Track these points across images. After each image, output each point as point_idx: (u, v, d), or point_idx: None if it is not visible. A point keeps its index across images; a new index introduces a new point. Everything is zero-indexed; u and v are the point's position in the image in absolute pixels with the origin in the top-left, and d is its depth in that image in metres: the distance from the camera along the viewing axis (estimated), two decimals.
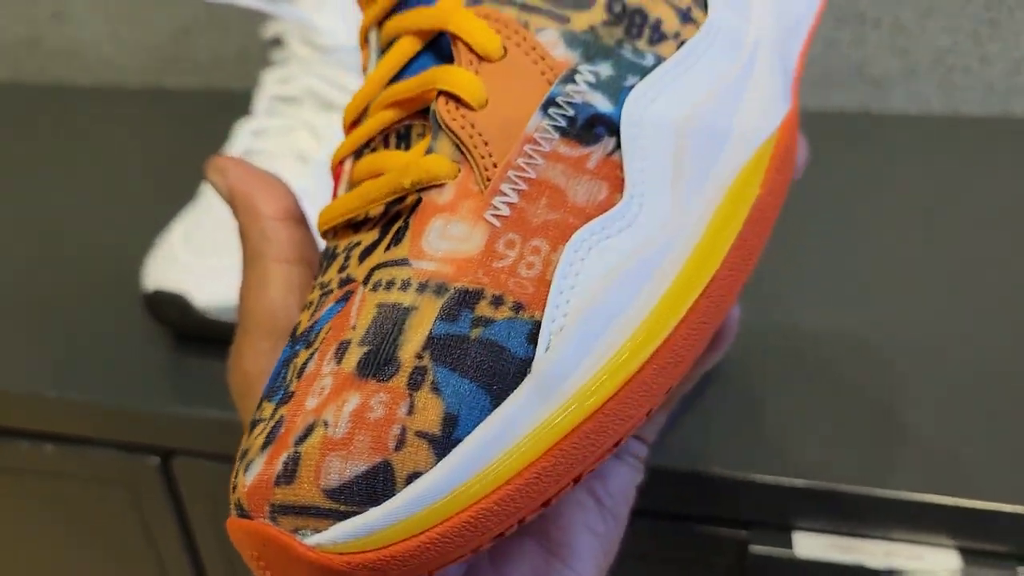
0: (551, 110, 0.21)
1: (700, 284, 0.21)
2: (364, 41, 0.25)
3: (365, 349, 0.19)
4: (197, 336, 0.47)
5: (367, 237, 0.22)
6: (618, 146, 0.21)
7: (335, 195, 0.24)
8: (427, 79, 0.22)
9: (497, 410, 0.18)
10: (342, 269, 0.22)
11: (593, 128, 0.21)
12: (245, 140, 0.52)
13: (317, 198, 0.50)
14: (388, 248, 0.21)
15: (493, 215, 0.20)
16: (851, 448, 0.38)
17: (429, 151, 0.21)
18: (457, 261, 0.20)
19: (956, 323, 0.45)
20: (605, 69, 0.22)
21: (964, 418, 0.39)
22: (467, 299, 0.19)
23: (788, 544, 0.38)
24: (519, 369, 0.19)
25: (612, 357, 0.19)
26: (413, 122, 0.23)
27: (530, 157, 0.21)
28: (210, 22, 0.79)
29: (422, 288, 0.20)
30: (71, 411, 0.46)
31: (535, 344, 0.19)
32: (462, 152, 0.21)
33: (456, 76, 0.22)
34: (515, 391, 0.18)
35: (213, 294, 0.46)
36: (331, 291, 0.22)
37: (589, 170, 0.21)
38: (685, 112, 0.22)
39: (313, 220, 0.42)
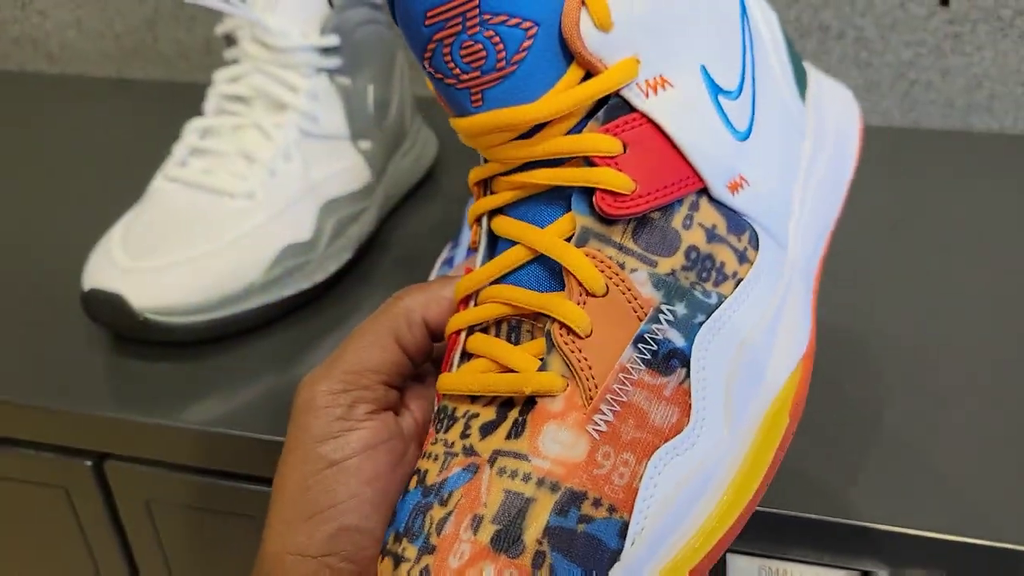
0: (640, 345, 0.26)
1: (745, 498, 0.26)
2: (476, 221, 0.31)
3: (497, 528, 0.25)
4: (134, 338, 0.47)
5: (485, 413, 0.27)
6: (687, 376, 0.26)
7: (447, 360, 0.30)
8: (544, 304, 0.27)
9: None
10: (464, 436, 0.27)
11: (669, 360, 0.26)
12: (192, 139, 0.52)
13: (264, 199, 0.49)
14: (509, 437, 0.26)
15: (593, 429, 0.26)
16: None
17: (543, 367, 0.27)
18: (567, 464, 0.25)
19: (916, 326, 0.45)
20: (681, 308, 0.27)
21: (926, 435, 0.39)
22: (574, 498, 0.25)
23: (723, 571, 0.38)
24: (611, 558, 0.24)
25: (677, 553, 0.25)
26: (523, 320, 0.28)
27: (623, 384, 0.26)
28: (175, 13, 0.78)
29: (540, 483, 0.25)
30: (5, 413, 0.45)
31: (623, 539, 0.24)
32: (571, 371, 0.26)
33: (569, 310, 0.27)
34: (616, 571, 0.24)
35: (151, 295, 0.45)
36: (456, 454, 0.27)
37: (666, 397, 0.26)
38: (735, 348, 0.27)
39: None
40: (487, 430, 0.27)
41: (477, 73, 0.27)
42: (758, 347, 0.28)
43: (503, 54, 0.26)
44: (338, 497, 0.29)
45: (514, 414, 0.27)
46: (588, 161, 0.27)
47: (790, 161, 0.32)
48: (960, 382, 0.42)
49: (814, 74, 0.37)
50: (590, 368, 0.26)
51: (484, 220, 0.30)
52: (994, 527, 0.35)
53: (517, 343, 0.28)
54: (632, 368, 0.26)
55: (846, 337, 0.45)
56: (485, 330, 0.29)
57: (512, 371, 0.27)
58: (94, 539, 0.50)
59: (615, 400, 0.26)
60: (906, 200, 0.57)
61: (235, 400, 0.44)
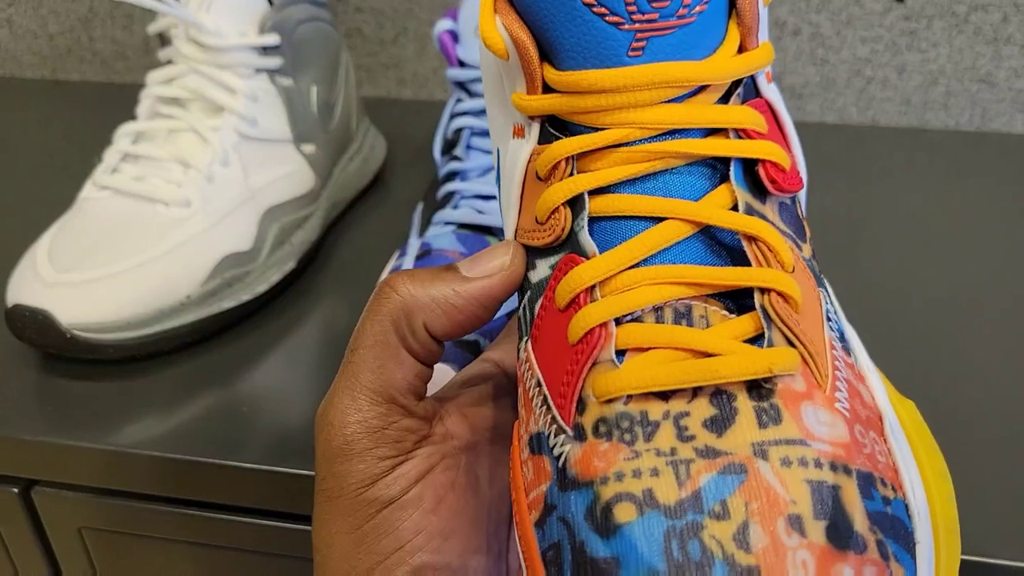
0: (829, 324, 0.25)
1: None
2: (564, 205, 0.27)
3: (825, 523, 0.21)
4: (62, 356, 0.44)
5: (696, 409, 0.23)
6: (851, 354, 0.26)
7: (584, 361, 0.25)
8: (747, 276, 0.24)
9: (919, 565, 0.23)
10: (685, 438, 0.23)
11: (843, 340, 0.26)
12: (125, 144, 0.49)
13: (201, 207, 0.47)
14: (764, 426, 0.23)
15: (841, 407, 0.23)
16: None
17: (769, 343, 0.24)
18: (843, 445, 0.23)
19: (873, 324, 0.44)
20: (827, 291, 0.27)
21: None
22: (869, 480, 0.23)
23: None
24: (911, 539, 0.23)
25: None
26: (694, 303, 0.25)
27: (836, 360, 0.24)
28: (112, 12, 0.75)
29: (834, 468, 0.22)
30: None
31: (910, 518, 0.23)
32: (794, 346, 0.24)
33: (783, 280, 0.24)
34: (918, 552, 0.23)
35: (79, 310, 0.43)
36: (690, 460, 0.22)
37: (856, 374, 0.25)
38: None
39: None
40: (720, 425, 0.23)
41: (655, 15, 0.24)
42: None
43: (684, 11, 0.24)
44: (403, 537, 0.25)
45: (745, 402, 0.23)
46: (739, 134, 0.25)
47: None
48: (917, 379, 0.41)
49: None
50: (812, 343, 0.24)
51: (583, 200, 0.26)
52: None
53: (704, 327, 0.24)
54: (836, 346, 0.25)
55: None
56: (641, 321, 0.25)
57: (712, 355, 0.23)
58: (24, 569, 0.47)
59: (839, 378, 0.24)
60: (863, 197, 0.56)
61: (171, 421, 0.42)
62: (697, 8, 0.24)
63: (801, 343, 0.24)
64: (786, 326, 0.24)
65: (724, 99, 0.26)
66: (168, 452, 0.40)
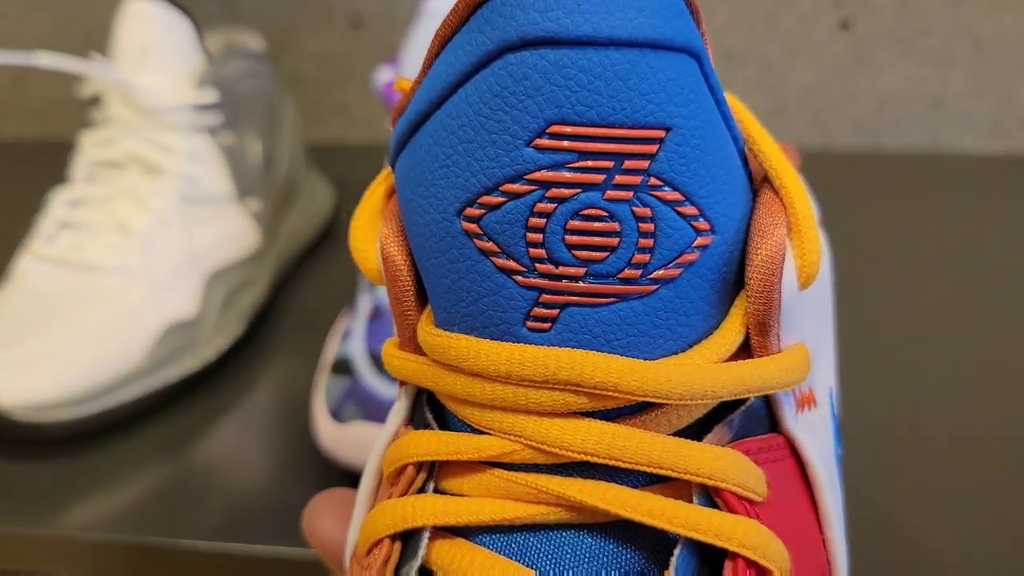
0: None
1: None
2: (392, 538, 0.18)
3: None
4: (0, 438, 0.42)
5: None
6: None
7: None
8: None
9: None
10: None
11: None
12: (61, 211, 0.47)
13: (143, 274, 0.45)
14: None
15: None
16: None
17: None
18: None
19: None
20: None
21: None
22: None
23: None
24: None
25: None
26: None
27: None
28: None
29: None
30: None
31: None
32: None
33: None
34: None
35: (16, 390, 0.41)
36: None
37: None
38: None
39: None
40: None
41: (580, 271, 0.16)
42: None
43: (647, 256, 0.16)
44: None
45: None
46: (707, 497, 0.16)
47: None
48: (876, 398, 0.41)
49: None
50: None
51: (418, 542, 0.17)
52: None
53: None
54: None
55: None
56: None
57: None
58: None
59: None
60: (823, 222, 0.56)
61: (118, 501, 0.40)
62: (658, 272, 0.16)
63: None
64: None
65: (702, 427, 0.17)
66: (116, 535, 0.38)
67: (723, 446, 0.16)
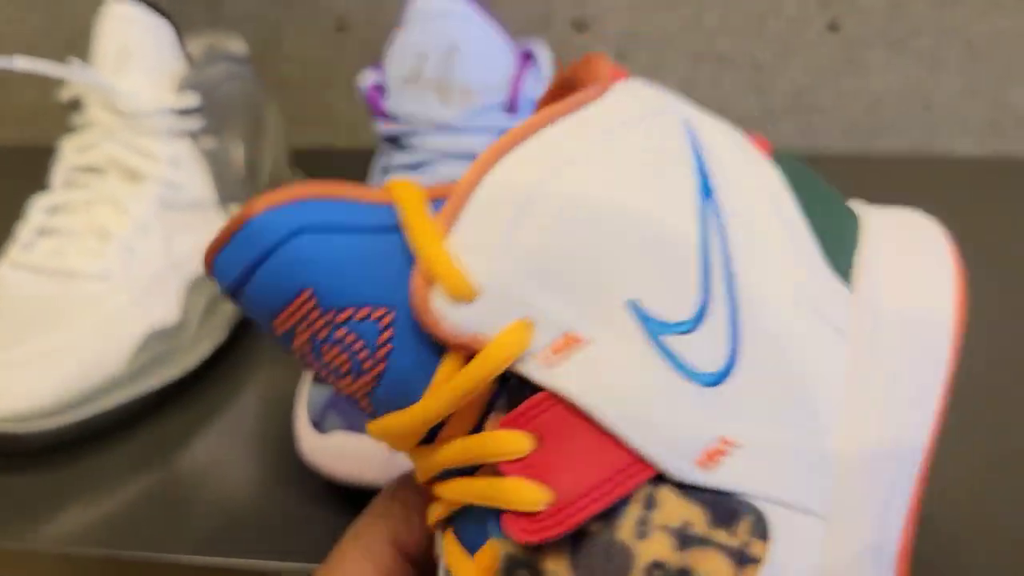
0: None
1: None
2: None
3: None
4: None
5: None
6: None
7: None
8: None
9: None
10: None
11: None
12: (39, 217, 0.46)
13: (123, 280, 0.44)
14: None
15: None
16: None
17: None
18: None
19: None
20: None
21: None
22: None
23: None
24: None
25: None
26: None
27: None
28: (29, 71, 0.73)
29: None
30: None
31: None
32: None
33: None
34: None
35: None
36: None
37: None
38: None
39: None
40: None
41: (349, 379, 0.22)
42: None
43: (365, 352, 0.21)
44: None
45: None
46: (496, 469, 0.21)
47: (818, 374, 0.22)
48: None
49: (874, 225, 0.26)
50: None
51: (438, 534, 0.24)
52: None
53: None
54: None
55: None
56: None
57: None
58: None
59: None
60: None
61: (98, 513, 0.39)
62: (380, 353, 0.21)
63: None
64: None
65: (485, 416, 0.22)
66: (97, 548, 0.38)
67: (494, 427, 0.21)
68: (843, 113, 0.65)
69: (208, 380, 0.47)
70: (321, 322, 0.21)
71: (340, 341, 0.21)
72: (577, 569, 0.20)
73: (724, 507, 0.20)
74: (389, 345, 0.21)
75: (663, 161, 0.22)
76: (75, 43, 0.70)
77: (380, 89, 0.45)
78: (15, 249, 0.46)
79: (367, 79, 0.46)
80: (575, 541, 0.20)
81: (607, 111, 0.23)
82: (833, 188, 0.26)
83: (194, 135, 0.48)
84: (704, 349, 0.21)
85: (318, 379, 0.41)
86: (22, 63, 0.43)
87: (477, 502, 0.21)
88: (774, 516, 0.20)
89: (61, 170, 0.48)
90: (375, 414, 0.22)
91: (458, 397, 0.20)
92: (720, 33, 0.63)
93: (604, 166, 0.22)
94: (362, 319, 0.21)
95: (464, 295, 0.20)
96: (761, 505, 0.20)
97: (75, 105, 0.49)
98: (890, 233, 0.25)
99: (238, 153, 0.51)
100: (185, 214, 0.47)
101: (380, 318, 0.21)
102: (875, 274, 0.24)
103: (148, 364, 0.44)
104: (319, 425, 0.39)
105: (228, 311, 0.48)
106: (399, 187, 0.22)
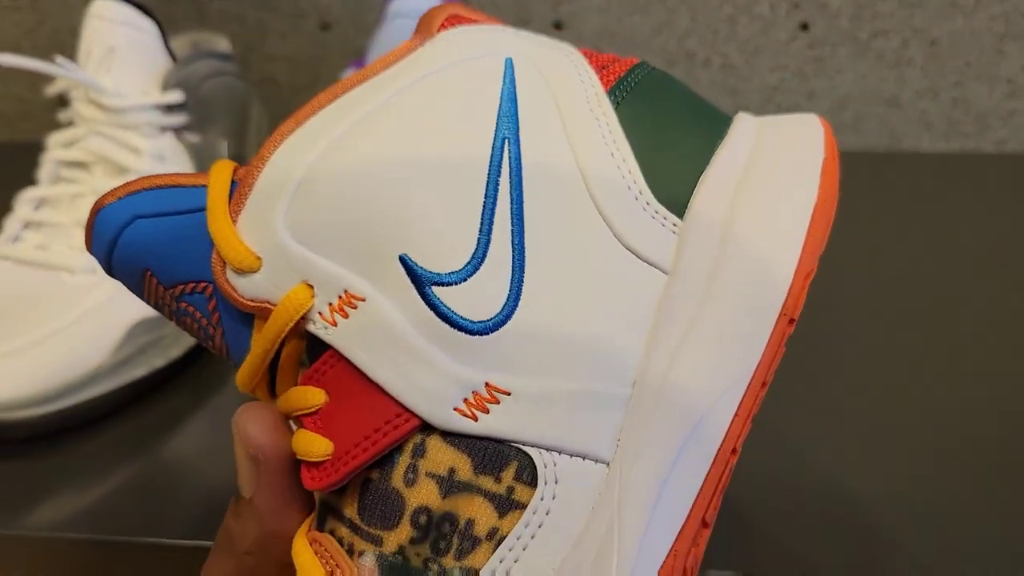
0: None
1: None
2: None
3: None
4: None
5: None
6: None
7: None
8: None
9: None
10: None
11: None
12: (26, 211, 0.47)
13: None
14: None
15: None
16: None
17: None
18: None
19: (799, 347, 0.44)
20: None
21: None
22: None
23: None
24: None
25: None
26: None
27: None
28: (15, 69, 0.73)
29: None
30: None
31: None
32: None
33: None
34: None
35: None
36: None
37: None
38: None
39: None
40: None
41: (211, 344, 0.25)
42: None
43: (205, 320, 0.24)
44: None
45: None
46: (300, 423, 0.23)
47: (616, 320, 0.22)
48: (835, 393, 0.41)
49: (738, 137, 0.25)
50: None
51: None
52: None
53: None
54: None
55: None
56: None
57: None
58: None
59: None
60: None
61: (85, 500, 0.40)
62: (214, 319, 0.24)
63: None
64: None
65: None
66: (86, 534, 0.39)
67: (297, 385, 0.23)
68: (813, 111, 0.67)
69: (193, 371, 0.48)
70: (168, 297, 0.24)
71: (187, 312, 0.24)
72: (362, 513, 0.21)
73: (491, 454, 0.20)
74: (217, 313, 0.24)
75: (465, 109, 0.23)
76: (61, 43, 0.71)
77: None
78: (1, 242, 0.46)
79: (349, 74, 0.47)
80: (363, 488, 0.21)
81: (423, 62, 0.25)
82: (703, 100, 0.25)
83: (178, 131, 0.49)
84: (477, 298, 0.21)
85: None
86: (7, 59, 0.44)
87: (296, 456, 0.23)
88: (546, 463, 0.20)
89: (47, 164, 0.48)
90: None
91: (260, 354, 0.23)
92: (692, 34, 0.65)
93: (391, 126, 0.23)
94: (192, 292, 0.24)
95: (249, 267, 0.23)
96: (532, 451, 0.20)
97: (61, 101, 0.50)
98: (756, 146, 0.24)
99: (222, 148, 0.52)
100: None
101: (204, 290, 0.24)
102: (715, 196, 0.23)
103: (134, 354, 0.45)
104: None
105: None
106: (214, 169, 0.24)
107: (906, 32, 0.63)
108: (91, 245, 0.24)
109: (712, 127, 0.25)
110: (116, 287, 0.45)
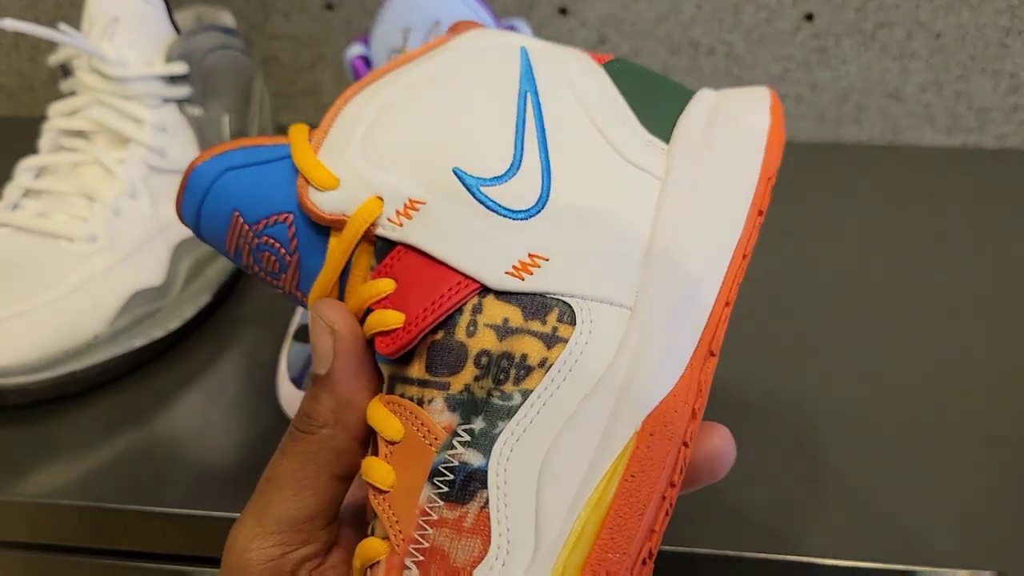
0: (435, 479, 0.24)
1: None
2: None
3: None
4: None
5: None
6: (488, 498, 0.23)
7: None
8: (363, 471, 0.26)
9: None
10: None
11: (468, 486, 0.23)
12: (26, 179, 0.47)
13: (108, 242, 0.45)
14: None
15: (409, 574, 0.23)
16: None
17: (371, 532, 0.26)
18: None
19: (797, 340, 0.44)
20: (478, 423, 0.24)
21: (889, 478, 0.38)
22: None
23: None
24: None
25: None
26: None
27: (423, 528, 0.24)
28: (16, 43, 0.73)
29: None
30: None
31: None
32: (384, 530, 0.25)
33: (370, 468, 0.25)
34: None
35: None
36: None
37: (466, 529, 0.23)
38: (545, 447, 0.23)
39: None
40: None
41: (284, 276, 0.29)
42: (573, 447, 0.23)
43: (284, 250, 0.28)
44: None
45: None
46: (371, 309, 0.27)
47: (625, 204, 0.28)
48: (833, 384, 0.41)
49: (703, 97, 0.31)
50: (397, 522, 0.24)
51: None
52: (933, 554, 0.34)
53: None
54: (430, 508, 0.24)
55: (739, 360, 0.44)
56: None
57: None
58: None
59: (417, 549, 0.23)
60: (782, 212, 0.57)
61: (83, 467, 0.40)
62: (292, 246, 0.28)
63: (384, 526, 0.25)
64: (376, 513, 0.25)
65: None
66: (82, 500, 0.39)
67: (368, 280, 0.27)
68: (816, 101, 0.67)
69: (192, 342, 0.48)
70: (251, 234, 0.28)
71: (267, 246, 0.28)
72: (430, 368, 0.26)
73: (537, 304, 0.26)
74: (295, 240, 0.28)
75: (493, 70, 0.30)
76: (64, 16, 0.71)
77: (366, 60, 0.47)
78: (0, 209, 0.46)
79: (353, 51, 0.47)
80: (429, 349, 0.26)
81: (455, 46, 0.31)
82: (670, 80, 0.32)
83: (181, 102, 0.49)
84: (516, 194, 0.27)
85: (298, 338, 0.42)
86: (11, 24, 0.44)
87: (367, 335, 0.27)
88: (581, 308, 0.25)
89: (48, 134, 0.48)
90: (307, 298, 0.28)
91: (339, 259, 0.27)
92: (695, 22, 0.65)
93: (440, 79, 0.30)
94: (274, 224, 0.28)
95: (329, 185, 0.27)
96: (570, 300, 0.26)
97: (64, 71, 0.49)
98: (718, 98, 0.31)
99: (224, 120, 0.52)
100: (171, 179, 0.48)
101: (285, 219, 0.28)
102: (691, 129, 0.30)
103: (131, 324, 0.45)
104: (298, 382, 0.40)
105: (212, 274, 0.49)
106: (292, 128, 0.29)
107: (911, 25, 0.63)
108: (181, 203, 0.29)
109: (683, 92, 0.32)
110: (116, 257, 0.45)
